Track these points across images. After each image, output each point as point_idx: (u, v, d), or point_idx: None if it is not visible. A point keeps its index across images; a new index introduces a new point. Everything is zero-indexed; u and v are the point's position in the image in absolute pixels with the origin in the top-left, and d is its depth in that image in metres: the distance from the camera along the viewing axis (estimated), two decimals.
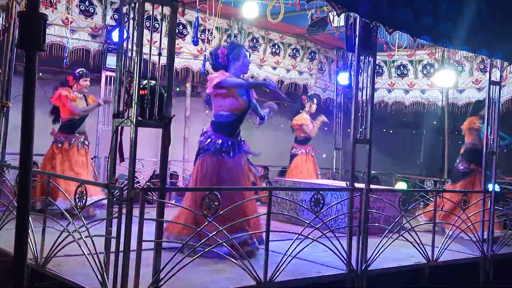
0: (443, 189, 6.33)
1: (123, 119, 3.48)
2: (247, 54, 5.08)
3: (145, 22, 3.53)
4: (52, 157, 6.46)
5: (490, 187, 6.04)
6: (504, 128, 6.69)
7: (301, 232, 4.30)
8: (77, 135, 6.59)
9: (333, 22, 7.10)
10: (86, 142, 6.71)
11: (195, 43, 7.20)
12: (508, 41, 5.12)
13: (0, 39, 5.67)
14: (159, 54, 3.53)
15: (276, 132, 9.19)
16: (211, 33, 8.38)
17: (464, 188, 6.81)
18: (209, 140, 4.86)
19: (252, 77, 8.95)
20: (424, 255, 5.20)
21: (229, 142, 4.87)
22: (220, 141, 4.82)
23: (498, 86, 6.03)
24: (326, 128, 10.38)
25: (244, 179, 4.96)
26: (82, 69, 6.67)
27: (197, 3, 6.55)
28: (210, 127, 4.94)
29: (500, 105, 6.13)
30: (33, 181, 4.57)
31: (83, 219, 3.78)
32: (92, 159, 7.27)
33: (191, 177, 5.01)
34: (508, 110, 8.36)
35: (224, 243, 3.95)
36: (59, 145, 6.47)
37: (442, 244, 5.42)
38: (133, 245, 3.41)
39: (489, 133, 5.93)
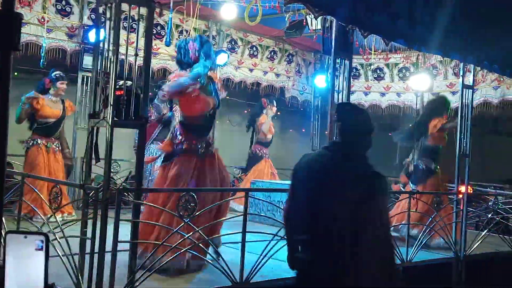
0: (417, 191, 6.40)
1: (99, 120, 3.48)
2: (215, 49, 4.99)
3: (122, 22, 3.51)
4: (35, 159, 6.44)
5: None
6: (475, 130, 6.79)
7: (277, 232, 4.32)
8: (52, 139, 6.59)
9: (310, 25, 7.15)
10: (60, 147, 6.69)
11: (167, 43, 7.19)
12: (480, 47, 5.24)
13: None
14: (136, 55, 3.54)
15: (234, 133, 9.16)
16: (189, 34, 8.37)
17: (432, 188, 6.79)
18: (180, 140, 4.66)
19: (228, 79, 8.98)
20: (398, 255, 5.28)
21: (201, 142, 4.69)
22: (194, 142, 4.65)
23: (471, 90, 6.15)
24: (303, 130, 10.44)
25: (216, 179, 4.74)
26: (59, 72, 6.62)
27: (172, 3, 6.54)
28: (180, 127, 4.74)
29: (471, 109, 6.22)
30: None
31: (57, 219, 3.75)
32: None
33: (159, 178, 4.76)
34: (480, 113, 8.52)
35: (201, 244, 3.97)
36: (38, 147, 6.45)
37: (416, 244, 5.51)
38: (109, 246, 3.40)
39: (461, 136, 6.03)
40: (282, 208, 4.71)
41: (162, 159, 4.98)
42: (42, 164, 6.41)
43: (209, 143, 4.76)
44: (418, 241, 5.58)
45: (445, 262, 5.86)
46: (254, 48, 9.53)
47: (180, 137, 4.67)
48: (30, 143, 6.46)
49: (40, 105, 6.38)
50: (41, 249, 1.61)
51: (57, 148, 6.63)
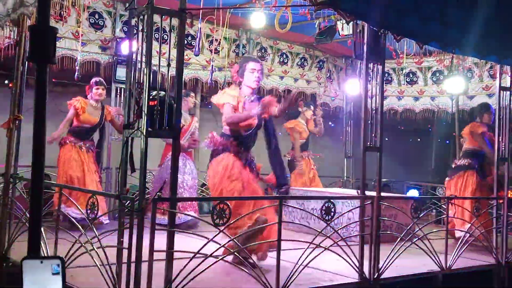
0: (455, 196, 6.26)
1: (133, 130, 3.51)
2: (255, 65, 5.01)
3: (154, 33, 3.55)
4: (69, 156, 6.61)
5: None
6: None
7: (313, 240, 4.28)
8: (85, 141, 6.76)
9: (342, 30, 7.11)
10: (92, 148, 6.86)
11: (196, 53, 7.24)
12: None
13: (12, 52, 5.74)
14: (168, 65, 3.57)
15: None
16: (220, 43, 8.42)
17: (457, 183, 6.91)
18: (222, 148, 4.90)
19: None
20: (437, 263, 5.17)
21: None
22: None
23: (509, 92, 5.99)
24: (341, 138, 10.35)
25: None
26: (97, 78, 6.89)
27: (201, 13, 6.57)
28: (221, 139, 4.94)
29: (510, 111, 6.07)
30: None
31: (95, 230, 3.80)
32: (103, 170, 7.36)
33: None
34: None
35: (235, 253, 3.96)
36: (71, 145, 6.64)
37: (455, 251, 5.38)
38: (145, 255, 3.42)
39: (500, 140, 5.89)
40: (316, 215, 4.70)
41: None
42: (77, 159, 6.57)
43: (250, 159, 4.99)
44: (458, 247, 5.44)
45: (486, 269, 5.70)
46: (284, 56, 9.53)
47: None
48: (63, 142, 6.64)
49: (81, 109, 6.61)
50: (58, 273, 1.60)
51: (90, 149, 6.77)
